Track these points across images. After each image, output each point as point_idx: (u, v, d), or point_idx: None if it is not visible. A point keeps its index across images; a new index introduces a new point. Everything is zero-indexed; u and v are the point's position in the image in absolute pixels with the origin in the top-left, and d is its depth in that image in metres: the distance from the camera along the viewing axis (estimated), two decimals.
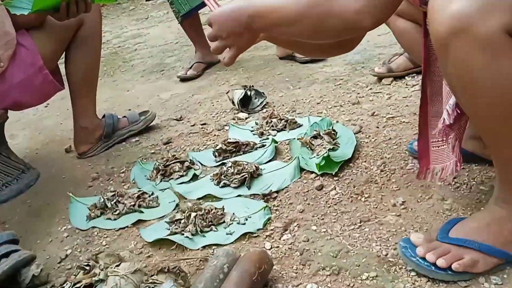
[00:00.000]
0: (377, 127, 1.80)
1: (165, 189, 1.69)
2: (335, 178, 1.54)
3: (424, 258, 1.07)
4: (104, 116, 2.16)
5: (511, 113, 0.94)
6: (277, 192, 1.54)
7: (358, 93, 2.13)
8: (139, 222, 1.54)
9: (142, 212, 1.58)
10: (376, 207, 1.38)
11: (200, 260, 1.30)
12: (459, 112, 1.11)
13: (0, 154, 1.93)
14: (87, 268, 1.21)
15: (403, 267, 1.14)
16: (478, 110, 0.99)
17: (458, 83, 0.97)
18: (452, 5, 0.89)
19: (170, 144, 2.04)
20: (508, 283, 1.05)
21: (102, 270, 1.17)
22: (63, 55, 2.03)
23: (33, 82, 1.90)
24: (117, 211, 1.58)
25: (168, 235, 1.40)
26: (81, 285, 1.16)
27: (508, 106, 0.93)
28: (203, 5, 2.73)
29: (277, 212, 1.45)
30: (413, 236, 1.13)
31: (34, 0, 1.57)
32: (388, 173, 1.52)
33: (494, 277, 1.06)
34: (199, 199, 1.59)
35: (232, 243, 1.35)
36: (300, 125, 1.92)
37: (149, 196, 1.63)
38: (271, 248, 1.30)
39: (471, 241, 1.06)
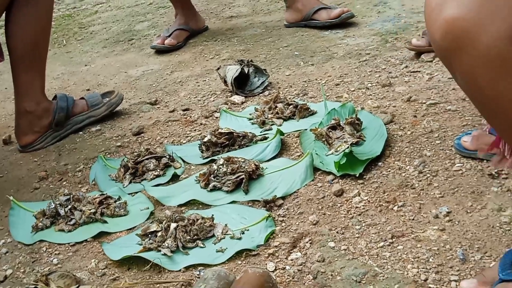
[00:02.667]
0: (415, 116, 1.81)
1: (136, 192, 1.70)
2: (360, 181, 1.55)
3: None
4: (55, 97, 2.16)
5: None
6: (283, 198, 1.55)
7: (390, 72, 2.13)
8: (101, 235, 1.55)
9: (105, 222, 1.59)
10: (413, 219, 1.39)
11: (182, 285, 1.31)
12: None
13: None
14: None
15: None
16: (492, 121, 1.05)
17: (468, 94, 1.01)
18: (444, 12, 0.92)
19: (143, 135, 2.05)
20: None
21: None
22: (3, 17, 2.03)
23: None
24: (73, 221, 1.59)
25: (139, 252, 1.41)
26: None
27: None
28: None
29: (284, 224, 1.45)
30: (465, 283, 1.13)
31: None
32: (428, 175, 1.53)
33: None
34: (180, 206, 1.60)
35: (224, 263, 1.36)
36: (314, 112, 1.93)
37: (115, 202, 1.64)
38: (276, 270, 1.31)
39: None
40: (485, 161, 1.53)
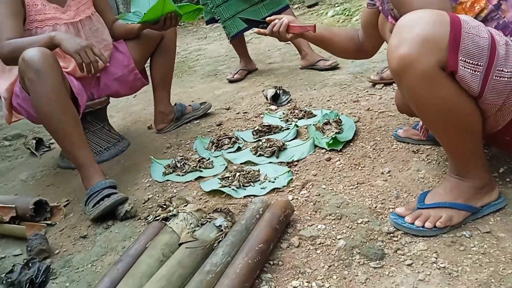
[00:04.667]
0: (371, 118, 1.78)
1: (218, 156, 1.71)
2: (340, 153, 1.54)
3: (412, 223, 1.06)
4: (175, 104, 2.18)
5: (447, 123, 0.98)
6: (297, 161, 1.54)
7: (358, 94, 2.10)
8: (199, 178, 1.56)
9: (201, 171, 1.60)
10: (369, 174, 1.37)
11: (242, 206, 1.32)
12: None
13: (103, 127, 1.98)
14: (164, 206, 1.24)
15: (388, 216, 1.14)
16: (425, 120, 1.03)
17: (410, 102, 1.00)
18: (399, 49, 0.91)
19: (221, 125, 2.05)
20: (476, 235, 1.04)
21: (174, 208, 1.20)
22: (149, 60, 2.05)
23: (127, 78, 1.95)
24: (184, 170, 1.61)
25: (220, 187, 1.42)
26: (160, 218, 1.19)
27: (444, 119, 0.97)
28: (246, 29, 2.73)
29: (297, 175, 1.45)
30: (398, 210, 1.11)
31: (144, 15, 1.67)
32: (378, 151, 1.51)
33: (465, 231, 1.04)
34: (242, 163, 1.60)
35: (264, 195, 1.36)
36: (315, 115, 1.91)
37: (207, 161, 1.65)
38: (293, 199, 1.31)
39: (444, 202, 1.06)
40: (410, 144, 1.50)
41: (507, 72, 0.90)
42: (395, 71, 0.94)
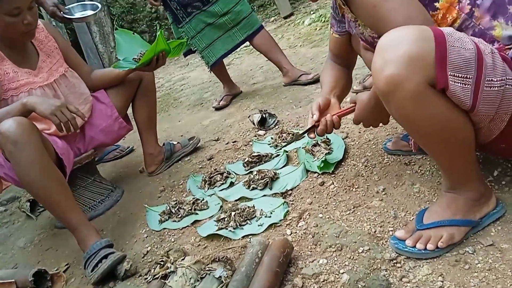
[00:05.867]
0: (359, 132, 1.76)
1: (212, 195, 1.68)
2: (332, 175, 1.51)
3: (414, 247, 1.04)
4: (164, 144, 2.16)
5: (439, 139, 0.96)
6: (291, 190, 1.52)
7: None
8: (195, 222, 1.53)
9: (197, 214, 1.57)
10: (364, 195, 1.35)
11: (241, 247, 1.29)
12: None
13: (94, 180, 1.96)
14: (162, 263, 1.21)
15: (388, 240, 1.12)
16: (417, 139, 1.02)
17: (400, 122, 0.99)
18: (385, 69, 0.89)
19: (212, 159, 2.02)
20: (479, 250, 1.02)
21: (172, 263, 1.18)
22: (131, 104, 2.04)
23: (112, 128, 1.93)
24: (180, 215, 1.58)
25: (217, 231, 1.40)
26: (159, 276, 1.16)
27: (436, 136, 0.95)
28: (225, 55, 2.73)
29: (293, 205, 1.43)
30: (397, 233, 1.08)
31: (142, 58, 1.71)
32: (370, 167, 1.49)
33: (468, 247, 1.02)
34: (236, 200, 1.58)
35: (262, 232, 1.34)
36: (304, 137, 1.87)
37: (201, 201, 1.62)
38: (291, 233, 1.28)
39: (442, 220, 1.04)
40: (401, 155, 1.48)
41: (497, 81, 0.89)
42: (383, 93, 0.92)
